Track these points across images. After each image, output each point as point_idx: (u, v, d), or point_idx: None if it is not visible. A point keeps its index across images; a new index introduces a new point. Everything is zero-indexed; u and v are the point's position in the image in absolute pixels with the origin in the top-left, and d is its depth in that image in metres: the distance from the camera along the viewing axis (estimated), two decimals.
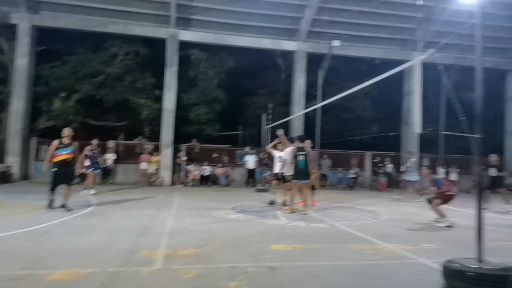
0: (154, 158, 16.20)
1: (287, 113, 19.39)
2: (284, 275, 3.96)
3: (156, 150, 16.76)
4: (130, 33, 16.87)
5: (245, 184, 16.95)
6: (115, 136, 18.31)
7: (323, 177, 17.14)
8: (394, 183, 17.32)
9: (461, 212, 9.35)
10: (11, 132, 15.64)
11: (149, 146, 17.17)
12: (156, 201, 10.30)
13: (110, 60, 17.91)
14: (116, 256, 4.49)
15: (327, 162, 17.97)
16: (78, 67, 17.19)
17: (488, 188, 10.36)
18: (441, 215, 7.47)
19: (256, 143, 19.77)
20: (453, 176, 17.30)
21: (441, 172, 16.09)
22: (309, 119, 18.82)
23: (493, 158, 10.83)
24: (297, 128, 17.55)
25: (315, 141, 18.29)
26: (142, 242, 5.28)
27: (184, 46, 18.11)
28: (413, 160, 14.45)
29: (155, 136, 18.80)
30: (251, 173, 16.85)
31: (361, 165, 18.87)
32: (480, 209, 3.79)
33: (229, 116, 21.72)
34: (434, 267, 4.15)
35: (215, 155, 18.64)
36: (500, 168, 11.05)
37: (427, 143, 17.81)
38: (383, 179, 17.40)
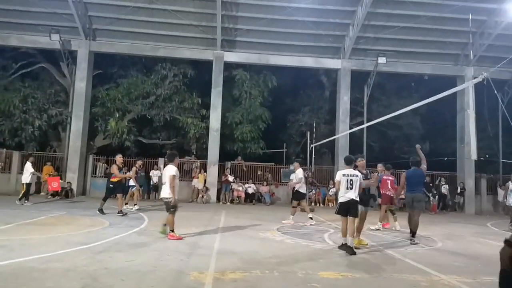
0: (201, 176, 16.69)
1: (332, 131, 19.17)
2: None
3: (202, 167, 17.29)
4: (179, 56, 17.78)
5: (290, 203, 16.80)
6: (165, 154, 19.12)
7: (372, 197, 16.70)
8: (448, 205, 16.39)
9: None
10: (70, 150, 16.80)
11: (196, 163, 17.74)
12: (203, 219, 10.53)
13: (160, 82, 18.84)
14: (167, 277, 4.64)
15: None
16: (131, 89, 18.31)
17: None
18: None
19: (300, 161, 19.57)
20: None
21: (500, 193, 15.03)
22: (354, 136, 18.44)
23: None
24: (343, 146, 17.27)
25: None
26: (191, 262, 5.41)
27: (229, 66, 18.69)
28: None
29: (201, 153, 19.36)
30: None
31: None
32: None
33: (273, 134, 21.85)
34: None
35: (259, 172, 18.76)
36: None
37: (483, 162, 16.74)
38: (434, 201, 16.51)
